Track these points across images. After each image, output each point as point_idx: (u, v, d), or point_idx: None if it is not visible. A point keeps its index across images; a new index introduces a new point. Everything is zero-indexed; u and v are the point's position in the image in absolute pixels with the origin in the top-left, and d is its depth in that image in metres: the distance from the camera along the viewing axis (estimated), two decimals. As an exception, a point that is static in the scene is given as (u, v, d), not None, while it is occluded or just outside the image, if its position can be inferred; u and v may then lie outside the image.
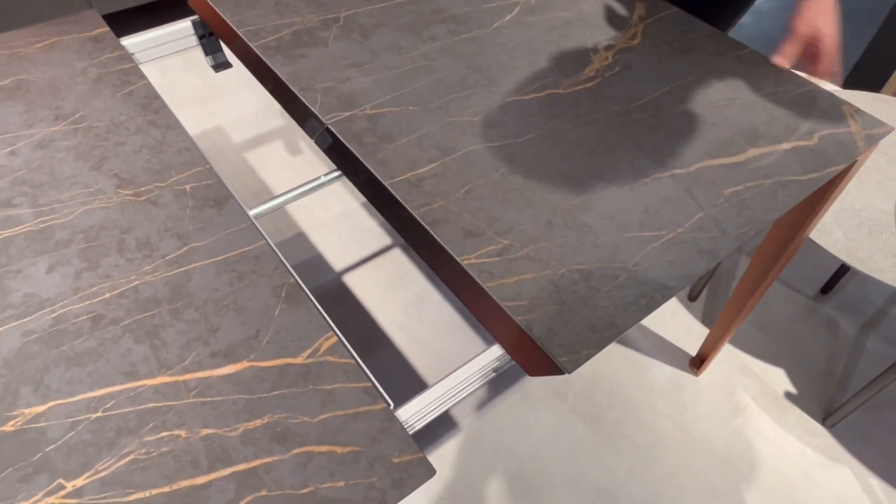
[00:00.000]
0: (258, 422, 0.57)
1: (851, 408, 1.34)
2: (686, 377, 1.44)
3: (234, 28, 0.95)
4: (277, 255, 0.70)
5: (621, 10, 1.03)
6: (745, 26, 2.55)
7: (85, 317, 0.63)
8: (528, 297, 0.64)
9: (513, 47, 0.94)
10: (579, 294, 0.64)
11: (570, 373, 0.57)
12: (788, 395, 1.42)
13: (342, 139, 0.79)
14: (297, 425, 0.57)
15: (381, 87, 0.86)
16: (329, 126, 0.81)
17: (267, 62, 0.90)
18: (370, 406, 0.58)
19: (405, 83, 0.87)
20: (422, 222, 0.70)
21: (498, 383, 1.39)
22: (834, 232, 1.24)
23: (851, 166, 0.85)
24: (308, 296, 0.66)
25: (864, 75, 1.41)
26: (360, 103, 0.84)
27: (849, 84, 1.31)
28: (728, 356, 1.48)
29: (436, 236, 0.69)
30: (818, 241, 1.21)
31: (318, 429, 0.57)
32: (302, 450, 0.55)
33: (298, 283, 0.67)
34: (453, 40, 0.95)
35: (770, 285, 1.20)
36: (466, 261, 0.66)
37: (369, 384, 0.60)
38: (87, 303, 0.64)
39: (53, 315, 0.63)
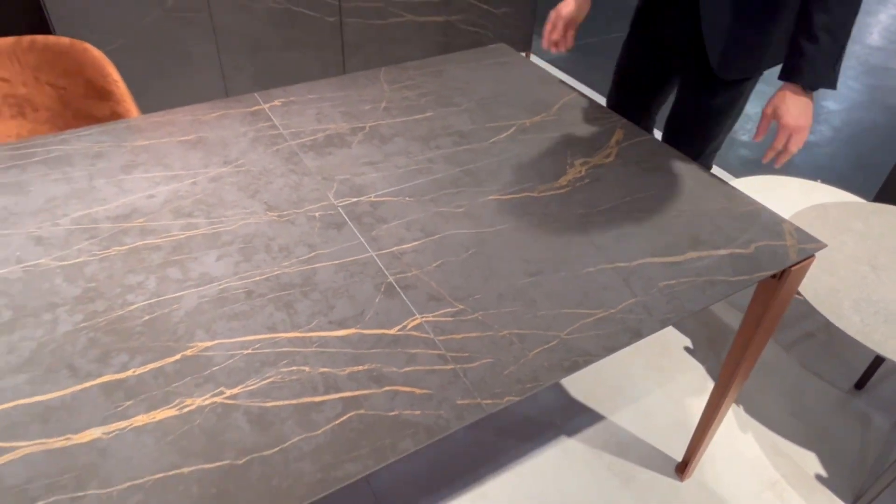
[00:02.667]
0: (360, 367, 0.78)
1: (881, 487, 1.39)
2: (719, 446, 1.53)
3: (281, 132, 1.23)
4: (378, 263, 0.93)
5: (602, 135, 1.26)
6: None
7: (241, 291, 0.87)
8: (471, 350, 0.81)
9: (503, 158, 1.18)
10: (513, 353, 0.81)
11: (490, 412, 0.72)
12: (819, 477, 1.48)
13: (345, 218, 1.03)
14: (389, 372, 0.77)
15: (387, 182, 1.10)
16: (339, 209, 1.03)
17: (300, 155, 1.16)
18: (442, 366, 0.78)
19: (407, 179, 1.11)
20: (395, 286, 0.91)
21: (540, 440, 1.53)
22: (852, 318, 1.38)
23: (784, 272, 0.99)
24: (399, 291, 0.88)
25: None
26: (367, 192, 1.07)
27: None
28: (761, 435, 1.57)
29: (405, 298, 0.89)
30: (839, 325, 1.35)
31: (403, 377, 0.77)
32: (391, 388, 0.75)
33: (392, 282, 0.90)
34: (454, 150, 1.20)
35: (747, 372, 1.25)
36: (425, 319, 0.84)
37: (443, 351, 0.80)
38: (243, 282, 0.89)
39: (220, 287, 0.88)
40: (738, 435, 1.58)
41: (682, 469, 1.47)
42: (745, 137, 2.89)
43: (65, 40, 1.23)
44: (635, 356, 1.76)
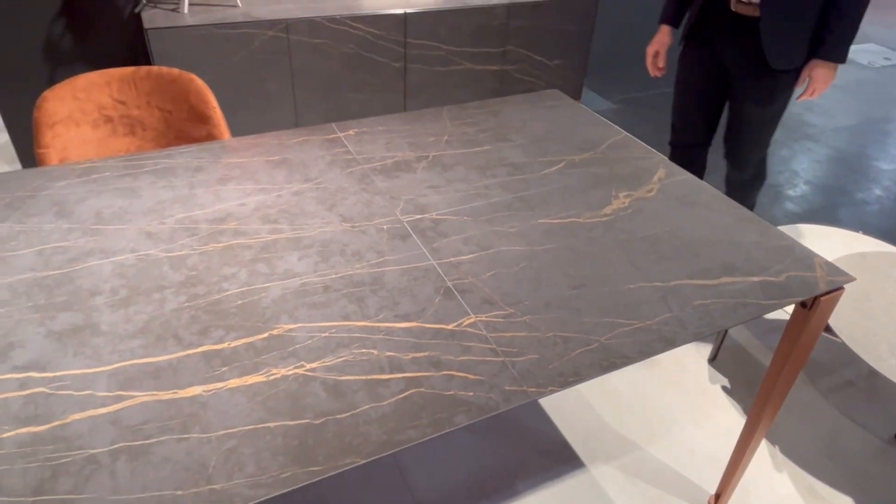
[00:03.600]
0: (421, 354, 0.88)
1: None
2: (753, 483, 1.55)
3: (354, 157, 1.38)
4: (438, 270, 1.04)
5: (646, 172, 1.37)
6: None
7: (319, 285, 1.00)
8: (518, 346, 0.91)
9: (552, 188, 1.29)
10: (556, 351, 0.90)
11: (538, 399, 0.81)
12: (856, 522, 1.48)
13: (409, 231, 1.15)
14: (446, 359, 0.87)
15: (448, 203, 1.23)
16: (404, 223, 1.16)
17: (371, 177, 1.30)
18: (493, 358, 0.88)
19: (465, 202, 1.23)
20: (453, 290, 1.02)
21: (576, 462, 1.58)
22: (890, 361, 1.41)
23: (814, 302, 1.05)
24: (456, 294, 0.99)
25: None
26: (429, 211, 1.20)
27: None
28: (796, 475, 1.58)
29: (461, 300, 1.01)
30: (876, 367, 1.39)
31: (458, 364, 0.87)
32: (448, 372, 0.86)
33: (451, 287, 1.01)
34: (509, 179, 1.32)
35: (778, 405, 1.28)
36: (479, 318, 0.95)
37: (493, 346, 0.90)
38: (321, 278, 1.01)
39: (301, 281, 1.00)
40: (773, 474, 1.59)
41: (714, 502, 1.49)
42: (790, 191, 2.94)
43: (175, 71, 1.43)
44: (673, 392, 1.80)
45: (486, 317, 0.96)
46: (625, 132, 1.54)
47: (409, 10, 2.43)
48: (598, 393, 1.79)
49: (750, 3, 1.65)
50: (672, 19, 1.88)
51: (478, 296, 1.00)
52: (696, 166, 2.09)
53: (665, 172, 1.37)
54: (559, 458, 1.59)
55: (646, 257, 1.11)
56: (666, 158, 1.43)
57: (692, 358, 1.93)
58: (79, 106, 1.35)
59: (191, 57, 2.16)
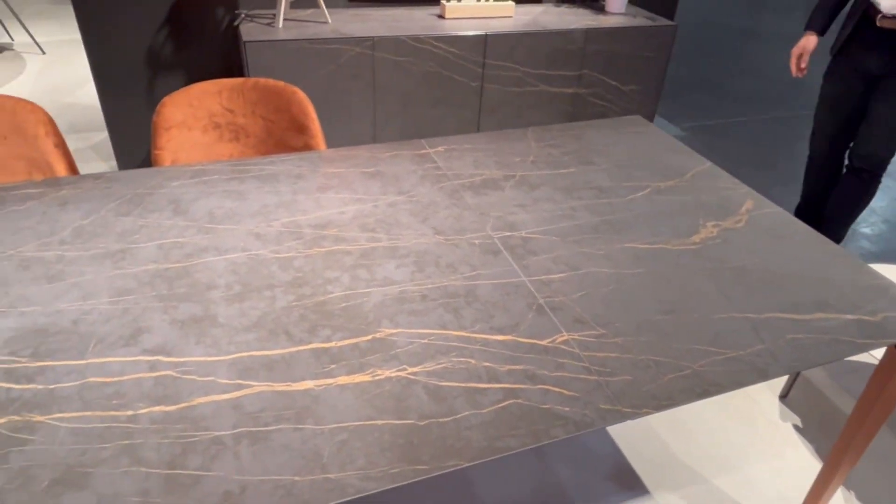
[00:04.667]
0: (517, 367, 0.91)
1: None
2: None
3: (444, 172, 1.43)
4: (529, 287, 1.08)
5: (733, 203, 1.36)
6: None
7: (417, 294, 1.05)
8: (611, 367, 0.93)
9: (638, 213, 1.31)
10: (649, 374, 0.92)
11: (629, 419, 0.83)
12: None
13: (500, 247, 1.19)
14: (541, 374, 0.90)
15: (536, 222, 1.26)
16: (495, 239, 1.20)
17: (461, 193, 1.35)
18: (586, 376, 0.91)
19: (553, 222, 1.26)
20: (545, 307, 1.04)
21: (641, 489, 1.57)
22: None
23: None
24: (548, 312, 1.02)
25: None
26: (518, 229, 1.24)
27: None
28: (872, 526, 1.53)
29: (553, 318, 1.03)
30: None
31: (553, 379, 0.90)
32: (543, 387, 0.88)
33: (542, 304, 1.04)
34: (594, 202, 1.34)
35: (860, 452, 1.26)
36: (571, 336, 0.98)
37: (587, 364, 0.93)
38: (418, 287, 1.06)
39: (398, 289, 1.05)
40: (847, 519, 1.55)
41: (785, 542, 1.46)
42: (866, 229, 2.84)
43: (280, 83, 1.52)
44: (742, 426, 1.77)
45: (578, 335, 0.98)
46: (709, 162, 1.54)
47: (489, 32, 2.49)
48: (664, 421, 1.77)
49: (894, 18, 1.97)
50: (820, 29, 2.17)
51: (569, 314, 1.03)
52: (834, 172, 2.40)
53: (753, 204, 1.37)
54: (624, 484, 1.59)
55: (735, 288, 1.11)
56: (753, 190, 1.42)
57: (763, 393, 1.89)
58: (192, 112, 1.45)
59: (283, 69, 2.28)
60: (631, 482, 1.59)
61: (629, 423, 1.75)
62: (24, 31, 4.22)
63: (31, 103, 1.35)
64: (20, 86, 3.63)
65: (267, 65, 2.26)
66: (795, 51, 2.20)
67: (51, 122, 1.37)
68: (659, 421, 1.77)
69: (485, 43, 2.50)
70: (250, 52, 2.21)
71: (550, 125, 1.68)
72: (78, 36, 4.40)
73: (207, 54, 2.55)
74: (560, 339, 0.97)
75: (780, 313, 1.06)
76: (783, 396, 1.89)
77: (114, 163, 2.73)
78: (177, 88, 2.59)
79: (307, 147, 1.57)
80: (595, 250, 1.19)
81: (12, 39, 4.25)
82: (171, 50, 2.50)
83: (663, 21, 2.81)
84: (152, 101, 2.58)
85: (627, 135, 1.66)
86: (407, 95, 2.52)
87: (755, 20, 6.12)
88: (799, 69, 2.21)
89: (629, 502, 1.54)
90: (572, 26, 2.63)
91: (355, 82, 2.41)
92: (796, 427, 1.79)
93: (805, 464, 1.68)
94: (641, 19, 2.82)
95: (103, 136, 3.08)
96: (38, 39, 4.25)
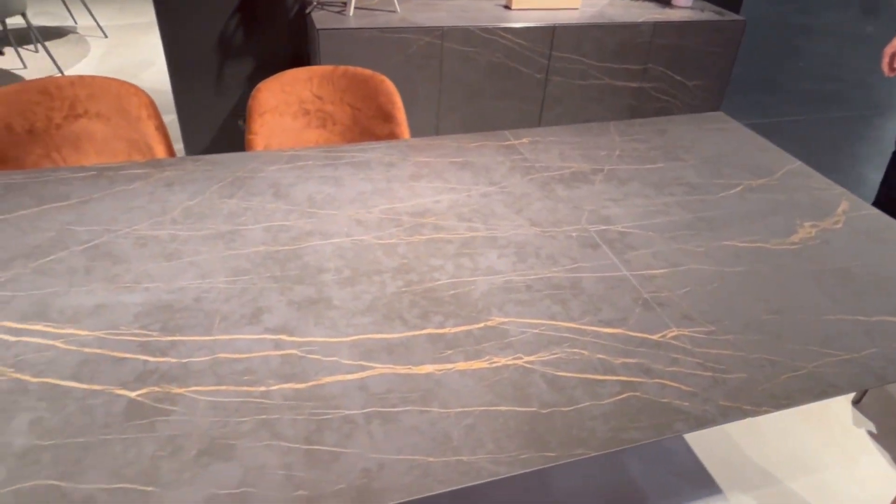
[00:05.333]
0: (630, 360, 0.92)
1: None
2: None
3: (532, 164, 1.43)
4: (633, 282, 1.08)
5: (828, 204, 1.34)
6: None
7: (522, 284, 1.06)
8: (725, 364, 0.93)
9: (731, 211, 1.29)
10: (765, 373, 0.91)
11: (750, 417, 0.83)
12: None
13: (598, 241, 1.18)
14: (656, 368, 0.91)
15: (630, 217, 1.25)
16: (592, 232, 1.20)
17: (552, 185, 1.35)
18: (701, 372, 0.91)
19: (647, 218, 1.25)
20: (651, 302, 1.04)
21: (714, 489, 1.57)
22: None
23: None
24: (655, 307, 1.03)
25: None
26: (613, 223, 1.23)
27: None
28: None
29: (661, 313, 1.03)
30: None
31: (669, 374, 0.90)
32: (659, 381, 0.89)
33: (648, 299, 1.04)
34: (687, 198, 1.33)
35: None
36: (681, 332, 0.98)
37: (701, 360, 0.93)
38: (522, 277, 1.07)
39: (504, 279, 1.07)
40: (927, 529, 1.52)
41: (864, 549, 1.44)
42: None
43: (368, 72, 1.53)
44: (815, 430, 1.75)
45: (688, 331, 0.98)
46: (800, 161, 1.52)
47: (558, 23, 2.47)
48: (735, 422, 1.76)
49: None
50: None
51: (676, 310, 1.02)
52: None
53: (849, 205, 1.35)
54: (697, 483, 1.58)
55: (840, 290, 1.10)
56: (847, 192, 1.40)
57: (835, 398, 1.86)
58: (284, 98, 1.48)
59: (353, 57, 2.30)
60: (704, 481, 1.59)
61: (699, 421, 1.74)
62: (87, 14, 4.32)
63: (135, 86, 1.40)
64: (85, 68, 3.73)
65: (338, 53, 2.29)
66: (888, 49, 2.18)
67: (152, 105, 1.41)
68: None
69: (552, 34, 2.49)
70: (323, 40, 2.23)
71: (632, 120, 1.67)
72: (138, 20, 4.49)
73: (275, 42, 2.58)
74: (670, 335, 0.97)
75: (891, 317, 1.04)
76: (856, 402, 1.85)
77: (180, 145, 2.80)
78: (244, 75, 2.64)
79: (392, 135, 1.59)
80: (694, 247, 1.18)
81: (76, 23, 4.36)
82: (241, 37, 2.54)
83: (732, 16, 2.76)
84: (221, 86, 2.63)
85: (711, 131, 1.64)
86: (471, 86, 2.52)
87: (813, 17, 5.95)
88: (891, 69, 2.19)
89: (703, 501, 1.54)
90: (640, 19, 2.60)
91: (422, 72, 2.42)
92: (870, 433, 1.76)
93: (881, 471, 1.65)
94: (709, 13, 2.77)
95: (168, 118, 3.15)
96: (100, 23, 4.35)
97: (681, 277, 1.10)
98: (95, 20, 4.22)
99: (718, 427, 1.72)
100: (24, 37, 4.03)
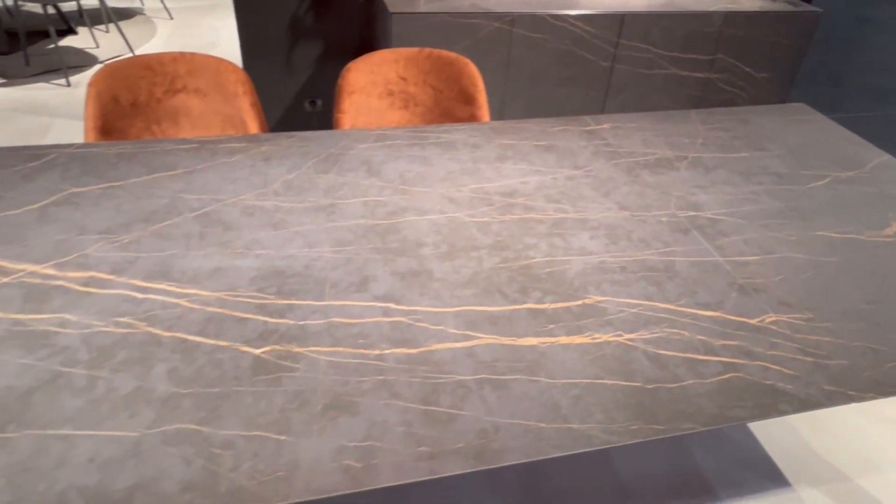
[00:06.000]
0: (731, 342, 0.93)
1: None
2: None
3: (615, 149, 1.43)
4: (726, 267, 1.09)
5: None
6: None
7: (616, 265, 1.07)
8: (826, 350, 0.93)
9: (823, 202, 1.28)
10: (867, 360, 0.91)
11: (855, 403, 0.84)
12: None
13: (689, 226, 1.19)
14: (756, 351, 0.92)
15: (719, 204, 1.26)
16: (681, 218, 1.21)
17: (637, 171, 1.35)
18: (802, 357, 0.91)
19: (736, 205, 1.25)
20: (746, 287, 1.04)
21: (781, 481, 1.57)
22: None
23: None
24: (751, 292, 1.03)
25: None
26: (702, 209, 1.24)
27: None
28: None
29: (757, 298, 1.03)
30: None
31: (769, 357, 0.91)
32: (761, 363, 0.90)
33: (743, 284, 1.05)
34: (775, 188, 1.33)
35: None
36: (779, 318, 0.98)
37: (801, 346, 0.93)
38: (615, 258, 1.09)
39: (598, 259, 1.09)
40: None
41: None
42: None
43: (453, 55, 1.56)
44: (883, 429, 1.72)
45: (786, 317, 0.99)
46: (888, 154, 1.49)
47: (627, 11, 2.46)
48: (801, 416, 1.75)
49: None
50: None
51: (772, 296, 1.03)
52: None
53: (944, 200, 1.32)
54: (764, 475, 1.58)
55: (939, 283, 1.09)
56: (940, 186, 1.37)
57: (905, 398, 1.83)
58: (371, 79, 1.52)
59: (423, 41, 2.33)
60: (772, 474, 1.59)
61: (765, 414, 1.74)
62: (153, -4, 4.45)
63: (233, 64, 1.45)
64: (152, 49, 3.84)
65: (408, 36, 2.32)
66: None
67: (249, 83, 1.46)
68: (796, 416, 1.75)
69: (621, 22, 2.47)
70: (395, 23, 2.27)
71: (713, 109, 1.66)
72: (201, 3, 4.60)
73: (344, 25, 2.63)
74: (769, 320, 0.98)
75: None
76: (929, 403, 1.82)
77: (247, 125, 2.87)
78: (313, 57, 2.69)
79: (473, 118, 1.62)
80: (786, 235, 1.18)
81: (143, 4, 4.49)
82: (311, 19, 2.59)
83: (807, 7, 2.69)
84: (290, 68, 2.69)
85: (795, 122, 1.62)
86: (537, 73, 2.53)
87: (882, 9, 5.74)
88: None
89: (771, 493, 1.54)
90: (711, 8, 2.56)
91: (489, 57, 2.44)
92: (944, 436, 1.73)
93: (956, 473, 1.62)
94: (783, 4, 2.71)
95: (234, 99, 3.23)
96: (167, 5, 4.47)
97: (775, 265, 1.10)
98: (162, 1, 4.34)
99: (783, 421, 1.71)
100: (96, 17, 4.17)
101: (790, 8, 2.66)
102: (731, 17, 2.58)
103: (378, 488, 0.72)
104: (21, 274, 0.97)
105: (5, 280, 0.96)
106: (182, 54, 1.45)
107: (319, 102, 2.81)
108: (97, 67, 3.51)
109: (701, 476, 1.57)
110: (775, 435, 1.69)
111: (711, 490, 1.54)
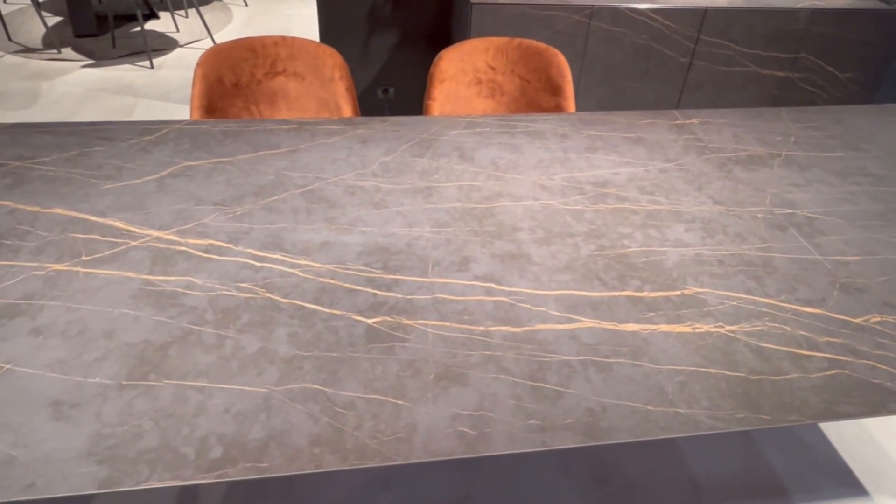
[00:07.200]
0: (835, 339, 0.93)
1: None
2: None
3: (706, 144, 1.42)
4: (826, 266, 1.07)
5: None
6: None
7: (713, 258, 1.08)
8: None
9: None
10: None
11: None
12: None
13: (785, 223, 1.17)
14: (862, 350, 0.91)
15: (815, 202, 1.23)
16: (777, 215, 1.19)
17: (729, 166, 1.34)
18: (889, 353, 0.90)
19: (834, 205, 1.23)
20: (848, 287, 1.03)
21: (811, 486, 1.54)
22: None
23: None
24: (853, 291, 1.02)
25: None
26: (799, 207, 1.22)
27: None
28: None
29: (859, 297, 1.01)
30: None
31: (876, 357, 0.90)
32: (867, 362, 0.89)
33: (844, 283, 1.04)
34: (873, 188, 1.29)
35: None
36: (885, 319, 0.97)
37: (887, 353, 0.92)
38: (712, 251, 1.09)
39: (694, 252, 1.09)
40: None
41: None
42: None
43: (542, 45, 1.58)
44: (968, 445, 1.67)
45: (892, 318, 0.97)
46: None
47: (710, 6, 2.41)
48: (881, 425, 1.70)
49: None
50: None
51: (876, 296, 1.02)
52: None
53: None
54: (841, 482, 1.55)
55: None
56: None
57: None
58: (461, 67, 1.55)
59: (501, 32, 2.35)
60: (848, 481, 1.56)
61: (842, 422, 1.70)
62: (228, -17, 4.60)
63: (330, 48, 1.51)
64: (229, 34, 3.98)
65: (487, 27, 2.34)
66: None
67: (345, 67, 1.51)
68: (876, 425, 1.70)
69: (703, 17, 2.43)
70: (475, 13, 2.29)
71: (806, 107, 1.62)
72: (273, -9, 4.73)
73: (421, 15, 2.66)
74: (874, 320, 0.97)
75: None
76: None
77: (320, 111, 2.95)
78: (388, 46, 2.74)
79: (559, 108, 1.63)
80: (888, 237, 1.16)
81: (219, -9, 4.64)
82: (390, 8, 2.64)
83: (899, 5, 2.59)
84: (365, 55, 2.75)
85: (892, 123, 1.57)
86: (612, 67, 2.51)
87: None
88: None
89: (846, 500, 1.51)
90: (798, 5, 2.49)
91: (566, 50, 2.44)
92: None
93: None
94: (873, 2, 2.61)
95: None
96: (241, -8, 4.62)
97: (878, 266, 1.08)
98: (237, -11, 4.48)
99: (861, 429, 1.67)
100: (177, 2, 4.34)
101: (881, 6, 2.56)
102: (817, 15, 2.50)
103: (452, 460, 0.75)
104: (148, 238, 1.04)
105: (134, 244, 1.03)
106: (283, 38, 1.51)
107: (392, 91, 2.87)
108: (178, 51, 3.66)
109: (774, 477, 1.55)
110: (852, 442, 1.65)
111: (785, 493, 1.52)
